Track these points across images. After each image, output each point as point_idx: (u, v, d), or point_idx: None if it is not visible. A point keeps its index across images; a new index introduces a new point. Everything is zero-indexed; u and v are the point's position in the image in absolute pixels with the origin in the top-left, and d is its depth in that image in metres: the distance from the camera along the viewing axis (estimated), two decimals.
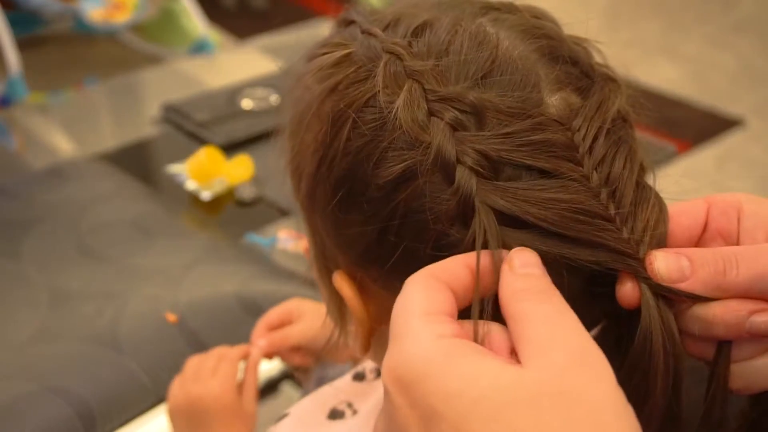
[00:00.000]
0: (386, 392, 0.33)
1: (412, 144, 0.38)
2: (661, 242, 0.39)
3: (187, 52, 2.55)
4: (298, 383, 0.97)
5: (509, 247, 0.37)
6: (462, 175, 0.37)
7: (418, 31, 0.41)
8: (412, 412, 0.32)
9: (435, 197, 0.38)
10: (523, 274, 0.35)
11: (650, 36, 3.23)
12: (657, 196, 0.41)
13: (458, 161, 0.38)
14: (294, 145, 0.45)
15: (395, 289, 0.41)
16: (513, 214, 0.37)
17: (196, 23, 2.54)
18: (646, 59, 3.03)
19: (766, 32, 3.24)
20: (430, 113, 0.39)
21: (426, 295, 0.35)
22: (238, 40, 2.90)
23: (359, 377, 0.66)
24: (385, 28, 0.43)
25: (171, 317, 0.99)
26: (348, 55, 0.42)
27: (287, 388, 0.99)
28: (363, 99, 0.40)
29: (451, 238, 0.38)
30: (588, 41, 0.44)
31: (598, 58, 0.44)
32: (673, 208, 0.40)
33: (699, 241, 0.40)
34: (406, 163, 0.38)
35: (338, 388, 0.67)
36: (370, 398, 0.64)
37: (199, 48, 2.52)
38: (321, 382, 0.91)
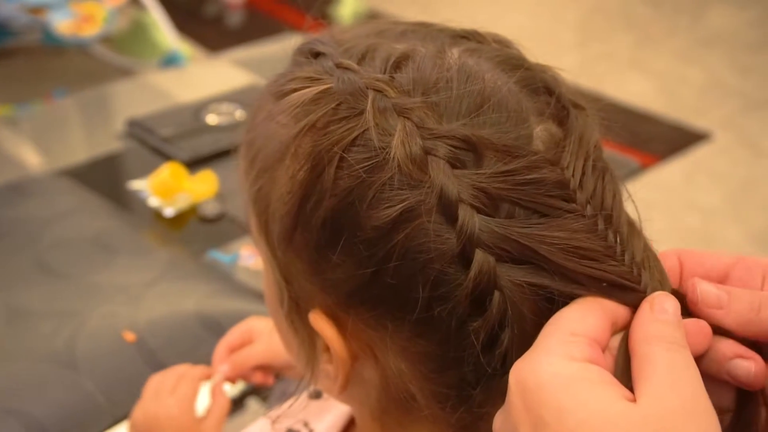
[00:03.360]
0: (509, 390, 0.36)
1: (410, 183, 0.38)
2: (661, 269, 0.40)
3: (158, 64, 2.54)
4: (263, 398, 0.97)
5: (508, 286, 0.38)
6: (464, 213, 0.37)
7: (398, 65, 0.41)
8: (526, 416, 0.34)
9: (436, 236, 0.38)
10: (661, 320, 0.36)
11: (621, 50, 3.26)
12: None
13: (460, 199, 0.37)
14: (262, 186, 0.43)
15: (385, 329, 0.41)
16: (515, 251, 0.37)
17: (167, 36, 2.53)
18: (617, 73, 3.06)
19: (734, 47, 3.29)
20: (427, 151, 0.38)
21: (581, 316, 0.37)
22: (210, 53, 2.89)
23: (316, 395, 0.66)
24: (360, 61, 0.42)
25: (129, 336, 0.98)
26: (326, 90, 0.41)
27: (253, 404, 0.98)
28: (350, 137, 0.39)
29: (450, 278, 0.38)
30: (552, 68, 0.44)
31: (564, 84, 0.44)
32: (699, 252, 0.41)
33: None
34: (405, 203, 0.38)
35: (294, 408, 0.66)
36: (326, 416, 0.64)
37: (170, 61, 2.51)
38: (284, 396, 0.91)
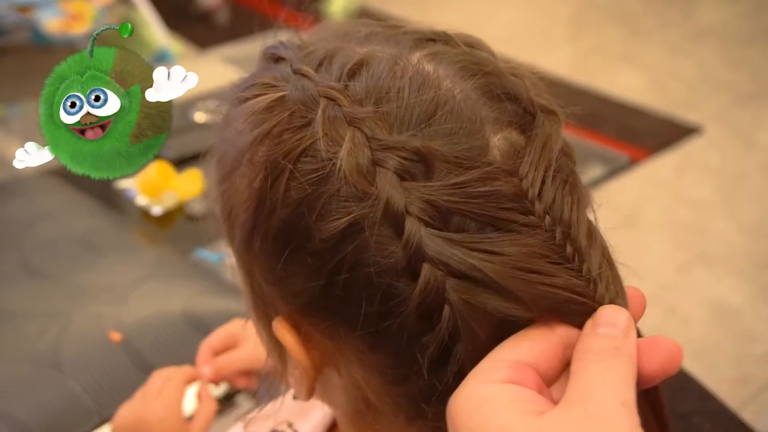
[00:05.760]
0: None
1: (357, 195, 0.37)
2: (618, 280, 0.39)
3: (148, 62, 2.52)
4: (253, 395, 0.96)
5: (458, 302, 0.37)
6: (411, 226, 0.36)
7: (353, 72, 0.40)
8: None
9: (383, 250, 0.37)
10: (599, 334, 0.35)
11: (612, 44, 3.26)
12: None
13: (407, 212, 0.36)
14: (225, 191, 0.43)
15: (339, 340, 0.40)
16: (461, 267, 0.36)
17: (157, 33, 2.52)
18: (608, 67, 3.06)
19: (725, 40, 3.29)
20: (375, 163, 0.37)
21: (516, 342, 0.36)
22: (200, 50, 2.88)
23: None
24: (318, 67, 0.41)
25: (115, 336, 0.98)
26: (281, 98, 0.40)
27: (243, 401, 0.98)
28: (301, 147, 0.38)
29: (399, 291, 0.37)
30: (524, 69, 0.43)
31: (537, 89, 0.42)
32: None
33: None
34: (352, 215, 0.37)
35: (278, 409, 0.66)
36: (310, 417, 0.63)
37: (160, 58, 2.50)
38: (273, 395, 0.91)
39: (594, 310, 0.37)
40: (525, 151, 0.39)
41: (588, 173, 1.52)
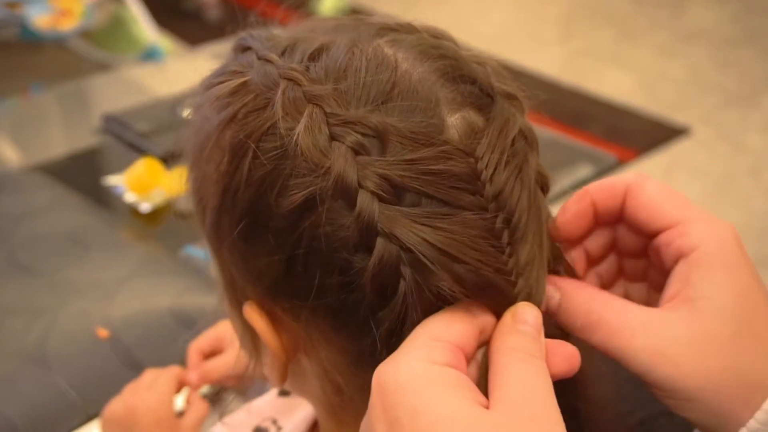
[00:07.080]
0: (371, 391, 0.36)
1: (313, 170, 0.38)
2: (542, 277, 0.40)
3: (138, 59, 2.52)
4: (240, 393, 0.97)
5: (411, 277, 0.37)
6: (364, 200, 0.37)
7: (314, 56, 0.41)
8: (383, 416, 0.34)
9: (338, 224, 0.38)
10: (519, 331, 0.37)
11: (602, 45, 3.28)
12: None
13: (360, 186, 0.37)
14: (196, 177, 0.44)
15: (304, 320, 0.41)
16: (411, 241, 0.37)
17: (146, 30, 2.51)
18: (598, 68, 3.07)
19: (715, 41, 3.31)
20: (332, 137, 0.38)
21: (447, 322, 0.37)
22: (190, 47, 2.88)
23: (285, 393, 0.66)
24: (282, 54, 0.42)
25: (102, 332, 0.98)
26: (245, 83, 0.42)
27: (229, 399, 0.98)
28: (263, 128, 0.39)
29: (355, 265, 0.38)
30: (487, 58, 0.44)
31: (500, 76, 0.43)
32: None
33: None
34: (308, 189, 0.38)
35: (263, 405, 0.67)
36: (295, 414, 0.64)
37: (150, 55, 2.50)
38: (262, 392, 0.91)
39: (512, 301, 0.38)
40: (483, 133, 0.40)
41: (576, 173, 1.52)
